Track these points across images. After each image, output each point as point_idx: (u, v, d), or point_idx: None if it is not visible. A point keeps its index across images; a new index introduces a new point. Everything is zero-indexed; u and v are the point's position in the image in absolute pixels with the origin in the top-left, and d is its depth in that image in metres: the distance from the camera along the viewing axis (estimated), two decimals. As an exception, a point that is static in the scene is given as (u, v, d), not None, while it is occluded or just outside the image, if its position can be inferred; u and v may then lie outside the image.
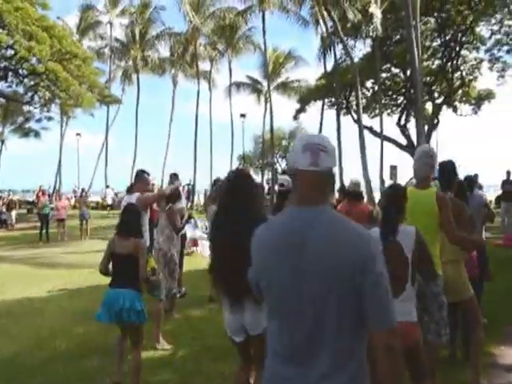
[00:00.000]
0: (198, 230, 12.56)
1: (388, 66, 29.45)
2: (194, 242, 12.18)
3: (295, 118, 33.97)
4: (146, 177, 6.09)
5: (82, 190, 19.23)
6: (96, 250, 12.02)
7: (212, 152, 36.44)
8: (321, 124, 28.95)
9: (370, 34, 25.96)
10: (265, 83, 34.68)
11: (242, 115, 34.32)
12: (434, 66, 29.28)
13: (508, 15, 25.41)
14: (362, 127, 22.88)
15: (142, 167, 6.56)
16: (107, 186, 35.17)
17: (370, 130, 29.70)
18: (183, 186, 34.80)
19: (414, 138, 29.00)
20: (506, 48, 26.76)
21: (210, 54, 35.67)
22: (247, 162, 38.04)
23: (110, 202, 32.39)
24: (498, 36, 26.64)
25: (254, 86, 37.85)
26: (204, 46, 35.34)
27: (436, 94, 30.15)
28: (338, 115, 27.71)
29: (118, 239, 4.31)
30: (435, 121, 28.87)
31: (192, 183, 33.09)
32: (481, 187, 18.87)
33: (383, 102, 31.00)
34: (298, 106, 33.55)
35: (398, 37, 27.79)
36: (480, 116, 30.05)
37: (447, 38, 27.43)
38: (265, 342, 1.86)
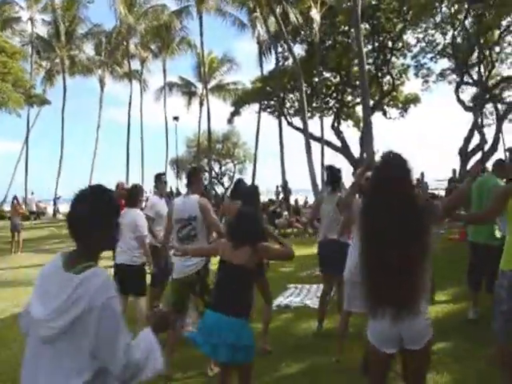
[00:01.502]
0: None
1: (320, 69, 30.24)
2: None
3: (230, 121, 33.81)
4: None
5: (14, 197, 17.55)
6: (36, 263, 11.16)
7: (143, 156, 35.52)
8: (258, 127, 29.04)
9: (308, 38, 26.54)
10: (199, 85, 34.34)
11: (175, 118, 33.66)
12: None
13: (432, 25, 27.02)
14: (307, 131, 23.09)
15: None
16: (32, 193, 32.94)
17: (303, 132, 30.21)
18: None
19: (348, 140, 30.18)
20: (429, 55, 28.55)
21: (142, 55, 34.71)
22: (180, 167, 37.31)
23: (34, 208, 30.52)
24: (423, 44, 28.33)
25: (187, 88, 37.27)
26: (135, 45, 34.32)
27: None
28: (280, 119, 27.89)
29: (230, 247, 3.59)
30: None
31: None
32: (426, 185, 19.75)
33: (314, 105, 31.90)
34: (232, 109, 33.42)
35: (330, 42, 28.73)
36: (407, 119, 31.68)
37: (378, 44, 28.61)
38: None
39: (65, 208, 32.14)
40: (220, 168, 37.80)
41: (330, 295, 6.18)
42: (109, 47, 34.28)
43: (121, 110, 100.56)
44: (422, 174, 21.16)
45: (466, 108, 26.27)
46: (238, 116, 33.12)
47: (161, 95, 37.04)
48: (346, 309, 4.89)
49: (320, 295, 6.16)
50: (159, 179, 7.28)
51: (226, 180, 38.16)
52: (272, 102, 31.82)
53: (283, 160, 25.68)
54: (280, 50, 27.67)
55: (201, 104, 35.07)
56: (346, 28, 27.18)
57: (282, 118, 29.83)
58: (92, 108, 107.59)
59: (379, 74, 29.15)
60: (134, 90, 35.77)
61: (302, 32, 25.11)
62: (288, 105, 31.77)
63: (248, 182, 6.57)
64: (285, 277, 9.27)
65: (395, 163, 2.78)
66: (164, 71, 36.32)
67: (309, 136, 22.97)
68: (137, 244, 5.90)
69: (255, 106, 31.49)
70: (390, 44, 27.93)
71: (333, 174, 5.97)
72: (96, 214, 1.93)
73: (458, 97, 26.45)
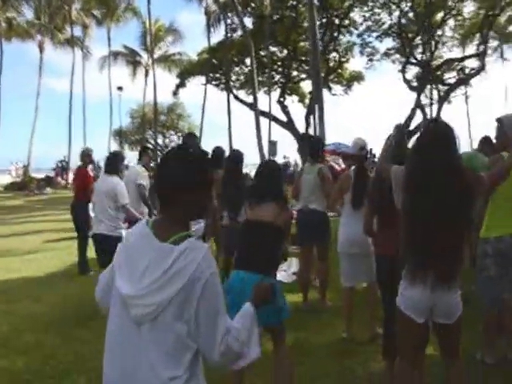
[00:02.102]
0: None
1: (268, 43, 30.19)
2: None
3: (175, 93, 33.26)
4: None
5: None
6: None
7: (86, 127, 34.47)
8: (204, 100, 28.80)
9: (257, 11, 26.36)
10: (144, 55, 33.49)
11: (119, 88, 32.80)
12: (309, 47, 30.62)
13: (379, 4, 27.50)
14: (257, 105, 23.11)
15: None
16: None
17: (250, 106, 30.26)
18: (57, 163, 32.66)
19: (293, 115, 30.50)
20: (375, 34, 29.11)
21: (84, 21, 33.30)
22: (123, 138, 36.47)
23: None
24: (369, 23, 28.81)
25: (132, 58, 36.21)
26: (77, 11, 32.85)
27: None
28: (228, 92, 27.72)
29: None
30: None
31: (66, 160, 31.00)
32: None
33: (260, 79, 31.95)
34: (177, 80, 32.85)
35: (277, 16, 28.66)
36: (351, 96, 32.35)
37: (325, 20, 28.82)
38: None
39: (2, 179, 30.90)
40: (164, 140, 37.25)
41: (308, 273, 5.84)
42: (49, 11, 32.59)
43: (62, 79, 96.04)
44: (371, 151, 21.72)
45: (412, 88, 27.04)
46: (184, 88, 32.68)
47: (104, 64, 35.93)
48: (346, 285, 4.72)
49: (298, 275, 6.03)
50: (146, 152, 7.17)
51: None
52: (218, 75, 31.62)
53: (231, 133, 25.69)
54: (229, 21, 27.33)
55: (146, 74, 34.26)
56: (294, 2, 27.21)
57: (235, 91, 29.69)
58: (31, 77, 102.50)
59: (326, 51, 29.49)
60: (76, 59, 34.49)
61: (253, 4, 24.83)
62: (234, 78, 31.73)
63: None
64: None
65: (442, 130, 2.70)
66: (109, 39, 35.19)
67: (259, 111, 23.02)
68: (115, 213, 5.63)
69: (201, 79, 31.14)
70: (337, 21, 28.15)
71: (313, 144, 5.93)
72: (190, 176, 1.68)
73: (403, 76, 27.16)
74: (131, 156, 30.87)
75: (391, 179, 2.99)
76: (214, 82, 30.86)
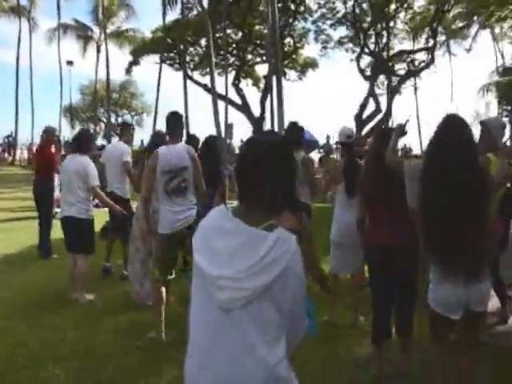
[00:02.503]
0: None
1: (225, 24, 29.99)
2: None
3: (128, 71, 32.52)
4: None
5: None
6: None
7: (33, 102, 33.26)
8: (159, 79, 28.31)
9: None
10: (96, 30, 32.49)
11: (69, 62, 31.82)
12: (265, 31, 30.70)
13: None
14: (214, 87, 23.00)
15: None
16: None
17: (205, 87, 30.10)
18: (4, 138, 31.51)
19: (248, 98, 30.59)
20: (329, 22, 29.50)
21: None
22: (74, 115, 35.51)
23: None
24: (324, 10, 29.14)
25: (83, 32, 35.01)
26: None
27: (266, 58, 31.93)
28: (185, 72, 27.35)
29: None
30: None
31: (13, 135, 29.94)
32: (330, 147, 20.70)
33: (215, 61, 31.75)
34: (130, 58, 32.13)
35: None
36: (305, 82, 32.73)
37: (281, 5, 28.91)
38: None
39: None
40: (116, 119, 36.53)
41: None
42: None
43: (9, 51, 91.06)
44: (328, 137, 22.20)
45: (365, 77, 27.65)
46: (137, 66, 32.05)
47: (53, 37, 34.49)
48: (333, 272, 4.84)
49: None
50: (127, 128, 6.88)
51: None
52: (172, 54, 31.18)
53: (187, 114, 25.44)
54: (185, 0, 26.84)
55: (98, 50, 33.32)
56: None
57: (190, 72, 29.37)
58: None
59: (281, 36, 29.62)
60: (24, 31, 33.10)
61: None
62: (188, 58, 31.38)
63: (148, 135, 6.65)
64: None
65: (459, 125, 2.68)
66: (58, 9, 33.75)
67: (217, 93, 22.97)
68: (86, 195, 5.44)
69: (156, 57, 30.61)
70: (292, 7, 28.33)
71: (295, 131, 5.58)
72: (281, 162, 1.64)
73: (358, 65, 27.68)
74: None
75: (404, 172, 2.98)
76: (168, 62, 30.39)
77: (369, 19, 28.25)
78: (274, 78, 20.26)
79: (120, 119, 35.81)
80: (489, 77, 32.66)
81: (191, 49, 31.02)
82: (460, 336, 2.89)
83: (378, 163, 3.38)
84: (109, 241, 6.45)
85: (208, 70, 30.95)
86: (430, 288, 2.76)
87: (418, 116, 36.41)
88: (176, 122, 4.53)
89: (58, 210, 10.88)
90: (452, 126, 2.70)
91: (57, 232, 8.14)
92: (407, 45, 31.13)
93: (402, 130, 3.40)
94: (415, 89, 33.41)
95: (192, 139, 6.37)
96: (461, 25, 28.23)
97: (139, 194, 5.23)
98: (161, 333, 4.26)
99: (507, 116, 35.51)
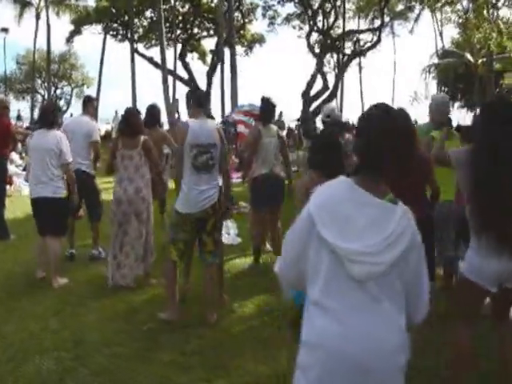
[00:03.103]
0: (12, 166, 11.13)
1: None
2: (10, 180, 10.79)
3: (69, 40, 31.05)
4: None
5: None
6: None
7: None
8: (103, 50, 27.23)
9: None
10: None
11: (4, 30, 29.91)
12: (212, 4, 30.12)
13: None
14: (165, 63, 22.32)
15: None
16: None
17: (151, 60, 29.28)
18: None
19: (195, 73, 30.02)
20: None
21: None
22: (8, 86, 33.50)
23: None
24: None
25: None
26: None
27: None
28: (132, 44, 26.27)
29: None
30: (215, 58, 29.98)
31: None
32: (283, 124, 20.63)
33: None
34: (72, 27, 30.60)
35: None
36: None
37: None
38: None
39: None
40: (55, 91, 34.83)
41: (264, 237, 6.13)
42: None
43: None
44: (281, 113, 22.20)
45: (314, 54, 27.70)
46: (79, 35, 30.63)
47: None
48: None
49: (255, 238, 5.98)
50: (91, 102, 6.42)
51: (62, 104, 35.34)
52: (116, 25, 30.02)
53: (134, 88, 24.66)
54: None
55: (37, 17, 31.42)
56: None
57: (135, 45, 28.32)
58: None
59: (229, 10, 29.13)
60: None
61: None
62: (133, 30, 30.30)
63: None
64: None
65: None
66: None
67: (167, 69, 22.32)
68: (59, 172, 5.08)
69: (98, 27, 29.38)
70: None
71: (266, 105, 5.78)
72: (404, 136, 1.63)
73: (308, 42, 27.64)
74: (20, 107, 28.83)
75: (453, 165, 3.00)
76: (112, 33, 29.24)
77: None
78: (228, 51, 20.00)
79: (59, 91, 34.22)
80: (429, 59, 33.90)
81: (135, 20, 29.94)
82: (493, 310, 3.00)
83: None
84: (72, 222, 5.94)
85: (154, 42, 30.44)
86: (470, 260, 2.81)
87: (361, 94, 37.20)
88: (202, 97, 4.42)
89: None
90: (503, 111, 2.76)
91: (10, 211, 7.81)
92: (353, 24, 31.69)
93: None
94: (360, 68, 33.98)
95: (152, 109, 6.23)
96: (402, 7, 28.95)
97: (116, 175, 5.05)
98: (175, 314, 4.14)
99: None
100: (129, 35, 26.40)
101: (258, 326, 4.22)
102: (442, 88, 34.92)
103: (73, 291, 4.96)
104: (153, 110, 6.20)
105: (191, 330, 4.03)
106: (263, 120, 5.76)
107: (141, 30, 30.07)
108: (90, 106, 6.28)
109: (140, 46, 30.36)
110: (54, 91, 34.43)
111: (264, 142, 5.59)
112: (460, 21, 21.98)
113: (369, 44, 28.62)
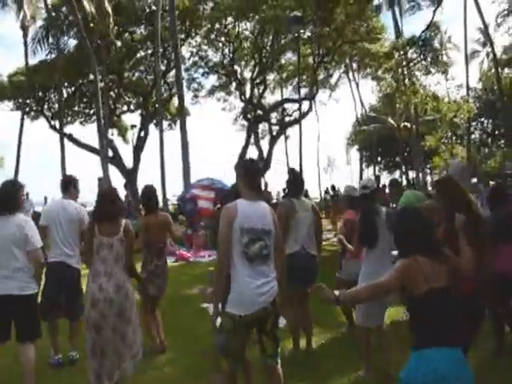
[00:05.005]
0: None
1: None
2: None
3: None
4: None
5: None
6: None
7: None
8: (21, 128, 24.68)
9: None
10: None
11: None
12: (134, 78, 29.07)
13: (205, 40, 27.52)
14: (106, 149, 20.44)
15: None
16: None
17: (70, 138, 27.16)
18: None
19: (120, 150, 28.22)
20: (201, 71, 29.12)
21: None
22: None
23: None
24: (196, 58, 28.67)
25: None
26: None
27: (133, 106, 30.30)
28: (61, 125, 24.08)
29: None
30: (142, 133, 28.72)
31: None
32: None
33: (77, 109, 29.11)
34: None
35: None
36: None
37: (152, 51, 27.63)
38: None
39: None
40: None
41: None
42: None
43: None
44: (266, 184, 21.08)
45: (244, 125, 27.46)
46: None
47: None
48: (362, 325, 4.67)
49: (293, 324, 5.37)
50: (74, 183, 5.51)
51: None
52: (28, 101, 27.57)
53: (64, 166, 22.41)
54: (52, 40, 23.94)
55: None
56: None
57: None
58: None
59: (155, 83, 28.31)
60: None
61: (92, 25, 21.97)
62: (47, 106, 28.18)
63: None
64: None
65: None
66: None
67: (108, 157, 20.43)
68: (27, 262, 4.29)
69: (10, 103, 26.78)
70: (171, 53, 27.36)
71: (295, 176, 5.53)
72: None
73: (236, 117, 27.37)
74: None
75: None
76: (25, 109, 26.70)
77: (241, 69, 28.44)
78: (178, 122, 19.07)
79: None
80: (351, 127, 35.24)
81: (51, 95, 27.86)
82: None
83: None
84: (53, 322, 5.16)
85: (69, 119, 28.44)
86: None
87: (287, 163, 37.47)
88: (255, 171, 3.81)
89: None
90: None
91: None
92: (277, 95, 32.14)
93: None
94: (285, 137, 34.16)
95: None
96: (322, 76, 29.95)
97: (90, 268, 4.30)
98: None
99: (366, 161, 38.63)
100: (61, 113, 24.13)
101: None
102: (363, 152, 36.33)
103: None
104: (152, 191, 5.74)
105: None
106: (293, 193, 5.35)
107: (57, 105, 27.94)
108: (74, 187, 5.49)
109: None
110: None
111: (299, 217, 5.13)
112: (388, 90, 22.68)
113: (297, 113, 28.90)
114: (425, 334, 2.70)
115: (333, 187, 21.25)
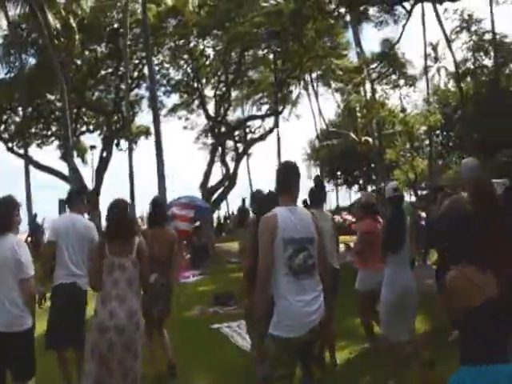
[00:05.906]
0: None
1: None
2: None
3: None
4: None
5: None
6: None
7: None
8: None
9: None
10: None
11: None
12: (94, 97, 28.42)
13: (168, 58, 27.34)
14: (80, 174, 19.66)
15: None
16: None
17: (31, 161, 26.01)
18: None
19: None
20: (163, 89, 28.77)
21: None
22: None
23: None
24: (158, 76, 28.33)
25: None
26: None
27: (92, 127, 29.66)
28: (26, 147, 22.88)
29: None
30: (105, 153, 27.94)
31: None
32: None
33: (34, 130, 28.06)
34: None
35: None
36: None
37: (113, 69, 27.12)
38: None
39: None
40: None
41: None
42: None
43: None
44: (244, 201, 20.90)
45: (208, 145, 27.26)
46: None
47: None
48: (384, 333, 4.59)
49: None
50: (84, 195, 5.26)
51: None
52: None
53: (29, 192, 21.40)
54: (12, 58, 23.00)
55: None
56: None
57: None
58: None
59: (115, 103, 27.77)
60: None
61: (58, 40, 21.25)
62: (2, 128, 26.99)
63: None
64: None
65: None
66: None
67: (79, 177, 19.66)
68: (19, 292, 3.67)
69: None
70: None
71: (319, 186, 5.56)
72: None
73: (199, 136, 27.22)
74: None
75: None
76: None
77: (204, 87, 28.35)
78: (153, 141, 18.71)
79: None
80: (311, 142, 35.69)
81: (5, 116, 26.72)
82: None
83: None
84: (62, 353, 4.61)
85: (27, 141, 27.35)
86: None
87: (250, 181, 37.58)
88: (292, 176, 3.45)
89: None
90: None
91: None
92: (239, 112, 32.21)
93: None
94: (247, 156, 34.18)
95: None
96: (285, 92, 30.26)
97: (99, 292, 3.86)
98: None
99: (326, 177, 39.14)
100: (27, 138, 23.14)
101: None
102: (323, 167, 36.86)
103: None
104: (160, 204, 5.70)
105: None
106: (315, 204, 5.28)
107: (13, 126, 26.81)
108: (81, 201, 5.05)
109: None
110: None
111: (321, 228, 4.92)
112: (357, 104, 23.21)
113: (260, 130, 29.03)
114: (481, 348, 2.50)
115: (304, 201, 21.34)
